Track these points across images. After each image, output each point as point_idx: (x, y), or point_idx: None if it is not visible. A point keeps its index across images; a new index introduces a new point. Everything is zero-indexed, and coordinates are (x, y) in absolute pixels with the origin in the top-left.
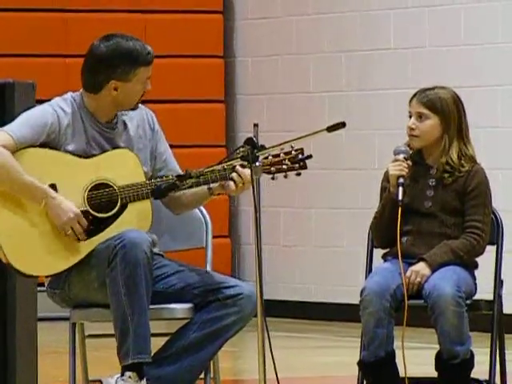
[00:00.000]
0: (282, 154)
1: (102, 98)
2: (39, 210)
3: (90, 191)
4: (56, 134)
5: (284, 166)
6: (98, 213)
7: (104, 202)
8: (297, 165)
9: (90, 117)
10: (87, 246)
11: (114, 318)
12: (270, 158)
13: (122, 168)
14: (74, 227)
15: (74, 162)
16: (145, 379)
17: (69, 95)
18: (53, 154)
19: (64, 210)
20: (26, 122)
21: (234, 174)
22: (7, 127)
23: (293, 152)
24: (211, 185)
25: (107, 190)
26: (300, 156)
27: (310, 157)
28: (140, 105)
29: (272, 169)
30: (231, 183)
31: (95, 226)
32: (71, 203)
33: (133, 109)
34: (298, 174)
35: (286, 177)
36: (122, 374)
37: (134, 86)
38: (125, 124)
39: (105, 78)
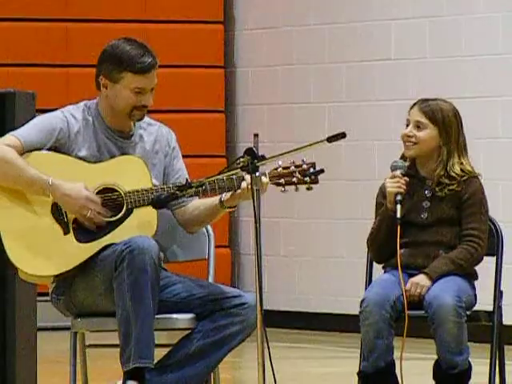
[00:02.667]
0: (292, 167)
1: (102, 97)
2: (44, 211)
3: (96, 194)
4: (66, 140)
5: (294, 179)
6: (104, 217)
7: (110, 206)
8: (308, 178)
9: (104, 125)
10: (90, 249)
11: (118, 322)
12: (280, 169)
13: (129, 173)
14: (90, 209)
15: (81, 166)
16: None
17: (82, 103)
18: (60, 158)
19: (73, 198)
20: (35, 126)
21: (247, 176)
22: (16, 131)
23: (304, 165)
24: (223, 197)
25: (114, 194)
26: (311, 170)
27: (321, 171)
28: (160, 123)
29: (281, 181)
30: (243, 184)
31: (100, 230)
32: (79, 185)
33: (131, 117)
34: (309, 189)
35: (296, 190)
36: (124, 381)
37: (121, 89)
38: (141, 137)
39: (97, 72)
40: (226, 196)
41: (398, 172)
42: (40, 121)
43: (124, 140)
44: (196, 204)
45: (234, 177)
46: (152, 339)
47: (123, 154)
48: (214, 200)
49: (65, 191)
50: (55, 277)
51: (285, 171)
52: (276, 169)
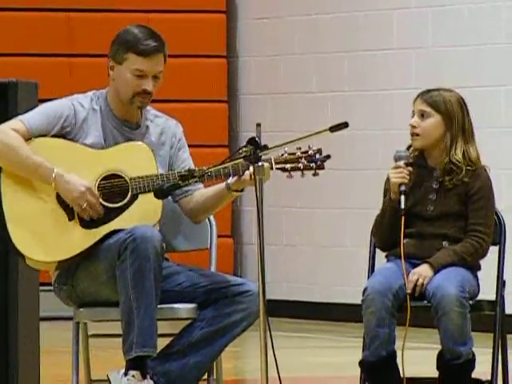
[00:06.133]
0: (298, 153)
1: (110, 82)
2: (49, 197)
3: (101, 181)
4: (72, 127)
5: (300, 165)
6: (108, 203)
7: (115, 192)
8: (313, 164)
9: (112, 115)
10: (95, 235)
11: (121, 311)
12: (286, 155)
13: (134, 160)
14: (88, 200)
15: (86, 152)
16: (148, 378)
17: (91, 92)
18: (65, 144)
19: (74, 186)
20: (42, 112)
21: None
22: (22, 116)
23: (310, 151)
24: (229, 181)
25: (118, 180)
26: (317, 156)
27: (328, 157)
28: (168, 116)
29: (287, 166)
30: (247, 172)
31: (104, 216)
32: (81, 179)
33: (132, 103)
34: (315, 174)
35: (302, 176)
36: (126, 371)
37: (124, 71)
38: (148, 128)
39: (107, 56)
40: (232, 180)
41: (401, 162)
42: (47, 107)
43: (131, 130)
44: (202, 191)
45: (240, 161)
46: (154, 328)
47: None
48: (220, 185)
49: (66, 180)
50: (59, 263)
51: (291, 157)
52: (282, 154)
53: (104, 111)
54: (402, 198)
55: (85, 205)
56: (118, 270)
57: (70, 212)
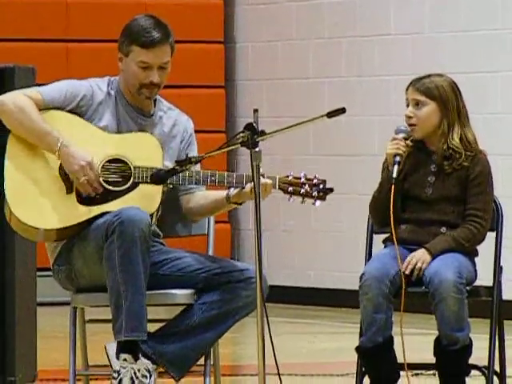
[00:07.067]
0: (303, 179)
1: (120, 72)
2: (53, 168)
3: (106, 162)
4: (87, 108)
5: (302, 190)
6: (109, 185)
7: (117, 176)
8: (315, 193)
9: (125, 102)
10: (88, 212)
11: (109, 293)
12: (291, 178)
13: (143, 150)
14: (87, 175)
15: (97, 132)
16: (142, 358)
17: (107, 77)
18: (78, 121)
19: (76, 158)
20: (60, 87)
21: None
22: (40, 87)
23: (315, 180)
24: (230, 192)
25: (123, 165)
26: (321, 186)
27: (331, 190)
28: (180, 110)
29: (290, 188)
30: (248, 186)
31: (102, 197)
32: (85, 152)
33: (139, 95)
34: (314, 204)
35: (302, 202)
36: (118, 353)
37: (130, 63)
38: (161, 118)
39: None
40: (233, 191)
41: (400, 135)
42: (66, 83)
43: (145, 118)
44: (204, 194)
45: (245, 173)
46: (144, 311)
47: (141, 131)
48: (221, 193)
49: (71, 152)
50: (56, 234)
51: (295, 180)
52: (287, 176)
53: (118, 98)
54: (395, 168)
55: (83, 178)
56: (105, 251)
57: (69, 185)
